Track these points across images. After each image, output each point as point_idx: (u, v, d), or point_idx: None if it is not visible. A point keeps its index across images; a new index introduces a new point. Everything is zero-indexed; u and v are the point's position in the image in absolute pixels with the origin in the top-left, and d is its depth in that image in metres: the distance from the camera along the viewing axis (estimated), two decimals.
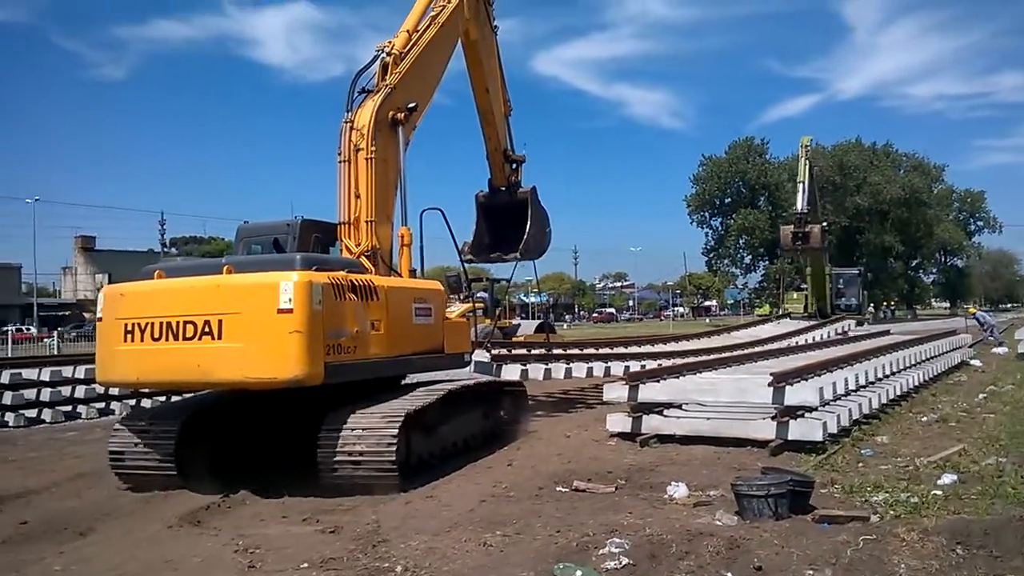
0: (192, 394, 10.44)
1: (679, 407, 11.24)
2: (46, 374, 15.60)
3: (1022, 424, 11.71)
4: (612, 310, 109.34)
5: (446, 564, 5.73)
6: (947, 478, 8.26)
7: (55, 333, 38.86)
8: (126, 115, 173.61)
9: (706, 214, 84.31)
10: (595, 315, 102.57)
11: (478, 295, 23.80)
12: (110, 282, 78.55)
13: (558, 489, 7.99)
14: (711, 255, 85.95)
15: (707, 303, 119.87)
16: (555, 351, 16.26)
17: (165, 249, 78.96)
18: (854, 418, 11.26)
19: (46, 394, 15.28)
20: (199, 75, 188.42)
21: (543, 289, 72.55)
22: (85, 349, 34.70)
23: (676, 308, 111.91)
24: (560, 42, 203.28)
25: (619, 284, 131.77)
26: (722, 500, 7.31)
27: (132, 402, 16.41)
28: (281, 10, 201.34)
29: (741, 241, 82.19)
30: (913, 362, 16.69)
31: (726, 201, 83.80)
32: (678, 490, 7.63)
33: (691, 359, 16.22)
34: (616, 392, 11.00)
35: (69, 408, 15.58)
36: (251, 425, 9.42)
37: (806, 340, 25.36)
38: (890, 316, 74.13)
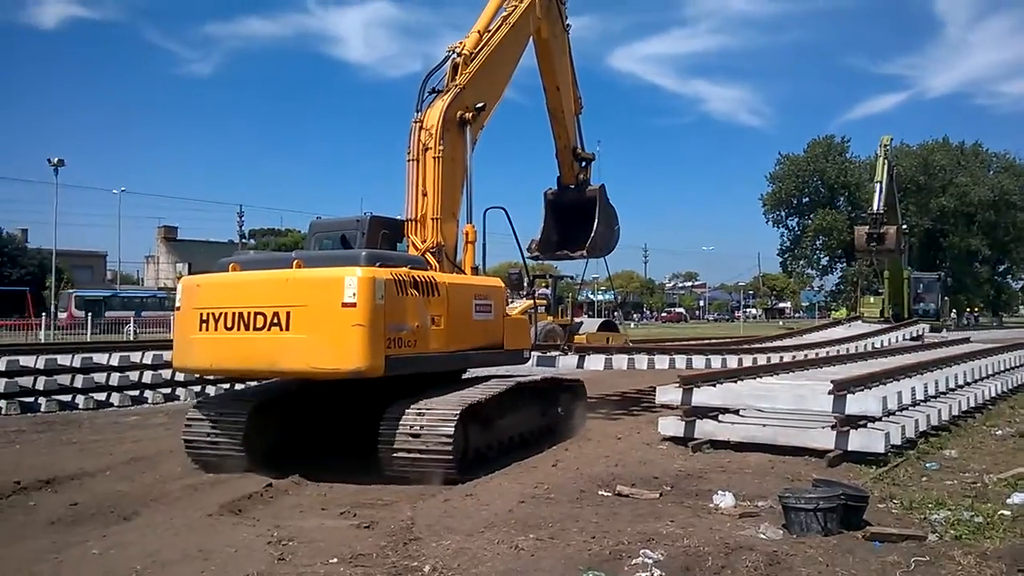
0: (259, 382, 10.82)
1: (735, 412, 10.92)
2: (115, 359, 16.08)
3: None
4: (681, 310, 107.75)
5: (475, 566, 5.61)
6: (1017, 497, 7.78)
7: (132, 319, 40.23)
8: (211, 110, 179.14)
9: (782, 213, 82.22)
10: (663, 315, 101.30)
11: (540, 292, 23.73)
12: (190, 271, 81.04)
13: (600, 493, 7.80)
14: (786, 256, 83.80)
15: (781, 305, 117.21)
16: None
17: (244, 240, 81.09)
18: (921, 430, 10.74)
19: (115, 378, 15.76)
20: (282, 71, 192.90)
21: (611, 287, 72.02)
22: (162, 336, 35.81)
23: (749, 309, 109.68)
24: (637, 38, 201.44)
25: (689, 284, 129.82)
26: (770, 512, 7.00)
27: (197, 388, 16.85)
28: (362, 9, 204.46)
29: (818, 242, 79.91)
30: (991, 372, 15.87)
31: (803, 200, 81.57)
32: (724, 499, 7.35)
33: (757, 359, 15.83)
34: (670, 395, 10.70)
35: (136, 393, 16.03)
36: (315, 413, 9.74)
37: (878, 344, 24.52)
38: (974, 323, 71.11)
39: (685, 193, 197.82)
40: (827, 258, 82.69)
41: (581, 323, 24.23)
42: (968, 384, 14.02)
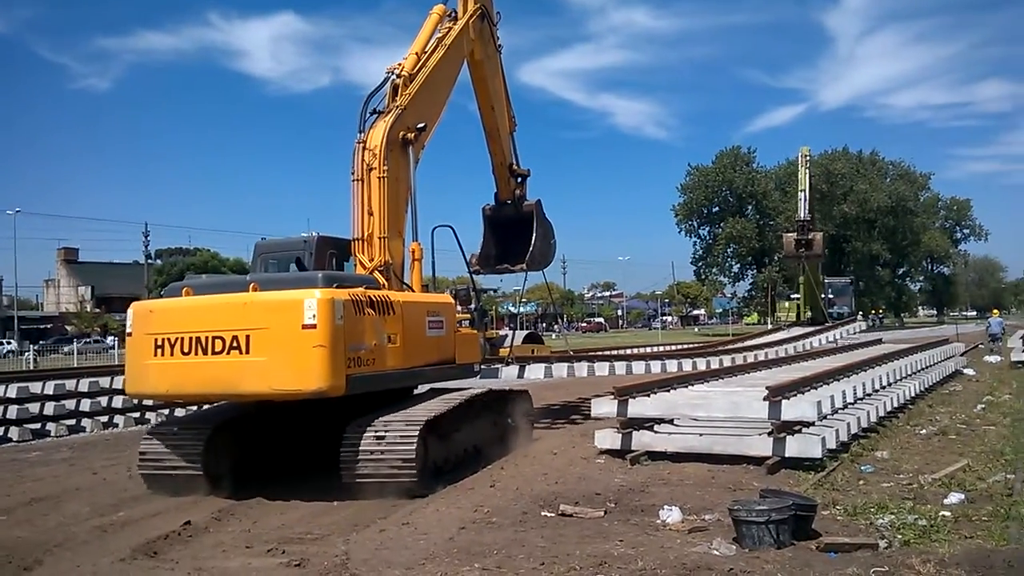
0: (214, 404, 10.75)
1: (670, 422, 10.78)
2: (13, 390, 15.00)
3: None
4: (601, 319, 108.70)
5: None
6: (954, 497, 7.86)
7: (31, 347, 37.52)
8: (111, 126, 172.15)
9: (694, 223, 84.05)
10: (583, 324, 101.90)
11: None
12: (93, 294, 77.44)
13: (543, 514, 7.47)
14: (699, 264, 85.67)
15: (695, 312, 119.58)
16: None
17: (150, 261, 77.96)
18: (852, 432, 10.83)
19: (13, 411, 14.67)
20: (184, 86, 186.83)
21: (531, 299, 72.13)
22: (62, 363, 34.00)
23: (665, 317, 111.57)
24: (546, 53, 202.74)
25: (607, 294, 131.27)
26: (718, 525, 6.83)
27: (104, 419, 15.87)
28: (267, 22, 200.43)
29: (729, 250, 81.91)
30: (909, 372, 16.29)
31: (714, 210, 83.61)
32: (671, 515, 7.13)
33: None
34: (605, 407, 10.49)
35: (38, 426, 14.97)
36: (273, 432, 9.85)
37: (809, 346, 25.29)
38: (879, 324, 73.98)
39: (599, 204, 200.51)
40: (738, 265, 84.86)
41: (505, 336, 24.01)
42: (890, 384, 14.30)
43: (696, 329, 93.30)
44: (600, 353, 18.33)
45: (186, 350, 8.61)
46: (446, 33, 12.67)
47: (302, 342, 8.18)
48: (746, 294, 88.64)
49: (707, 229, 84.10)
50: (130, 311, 9.38)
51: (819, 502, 7.33)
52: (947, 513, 7.26)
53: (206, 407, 11.76)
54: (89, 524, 7.86)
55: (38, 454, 12.76)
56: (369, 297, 9.02)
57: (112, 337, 51.52)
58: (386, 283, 10.34)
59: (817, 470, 9.13)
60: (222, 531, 7.52)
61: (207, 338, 8.51)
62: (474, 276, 14.58)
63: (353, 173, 10.84)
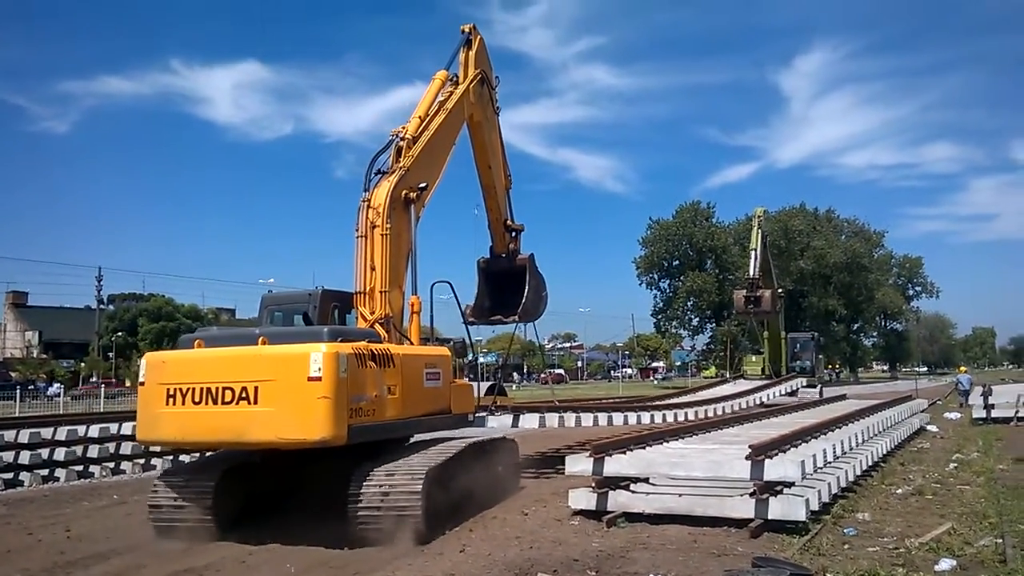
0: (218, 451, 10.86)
1: (644, 480, 10.36)
2: None
3: (1006, 498, 11.09)
4: (561, 371, 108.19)
5: None
6: (945, 564, 7.57)
7: None
8: (67, 169, 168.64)
9: (655, 276, 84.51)
10: (543, 375, 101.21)
11: None
12: (40, 340, 74.98)
13: None
14: (659, 317, 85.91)
15: (655, 364, 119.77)
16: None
17: (102, 306, 76.01)
18: (832, 492, 10.49)
19: None
20: (143, 130, 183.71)
21: (492, 349, 71.55)
22: (4, 411, 32.48)
23: (624, 369, 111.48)
24: (507, 106, 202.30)
25: (568, 345, 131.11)
26: None
27: (44, 472, 14.96)
28: (231, 70, 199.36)
29: (689, 303, 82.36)
30: (880, 429, 16.12)
31: (674, 263, 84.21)
32: None
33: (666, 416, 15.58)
34: (580, 465, 10.05)
35: None
36: (277, 479, 10.14)
37: (764, 399, 25.34)
38: (835, 379, 74.57)
39: (560, 255, 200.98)
40: (698, 318, 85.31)
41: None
42: (864, 442, 14.07)
43: (655, 382, 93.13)
44: (576, 404, 18.32)
45: (197, 400, 8.97)
46: (447, 97, 13.19)
47: (308, 393, 8.52)
48: (705, 347, 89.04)
49: (667, 282, 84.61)
50: (143, 361, 9.75)
51: (808, 568, 6.97)
52: None
53: (206, 455, 11.90)
54: None
55: None
56: (371, 350, 9.36)
57: (57, 384, 49.63)
58: (386, 335, 10.65)
59: (801, 533, 8.75)
60: None
61: (217, 388, 8.88)
62: (469, 328, 14.88)
63: (357, 230, 11.21)
